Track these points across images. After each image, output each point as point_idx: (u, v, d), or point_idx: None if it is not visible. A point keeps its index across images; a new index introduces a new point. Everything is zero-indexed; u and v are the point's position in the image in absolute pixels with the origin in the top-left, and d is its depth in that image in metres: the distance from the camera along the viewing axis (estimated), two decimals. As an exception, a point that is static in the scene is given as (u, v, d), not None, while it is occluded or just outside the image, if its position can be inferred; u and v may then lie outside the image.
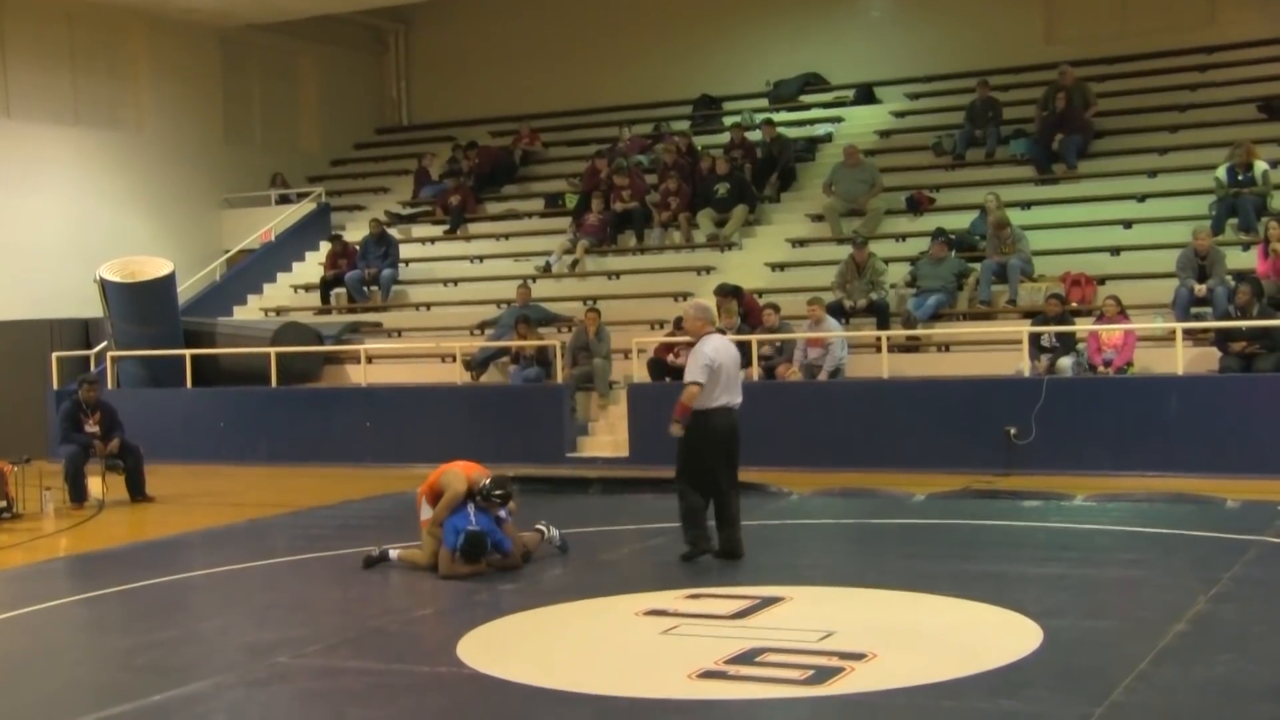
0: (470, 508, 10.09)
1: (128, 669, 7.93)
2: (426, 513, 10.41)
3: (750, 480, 14.66)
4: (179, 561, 11.59)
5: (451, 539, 9.93)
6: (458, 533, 9.90)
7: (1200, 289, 15.94)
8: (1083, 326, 16.01)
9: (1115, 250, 18.18)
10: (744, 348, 16.94)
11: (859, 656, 7.34)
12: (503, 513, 10.31)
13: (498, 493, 10.23)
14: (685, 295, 19.52)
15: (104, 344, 21.23)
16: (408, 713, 6.75)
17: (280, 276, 24.13)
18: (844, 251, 18.66)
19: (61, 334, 21.85)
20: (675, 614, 8.53)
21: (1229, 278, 15.95)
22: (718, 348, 10.29)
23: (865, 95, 24.21)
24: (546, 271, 21.41)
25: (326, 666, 7.66)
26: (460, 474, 10.32)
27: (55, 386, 20.60)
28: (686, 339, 17.33)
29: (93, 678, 7.92)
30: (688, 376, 10.23)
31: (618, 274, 21.12)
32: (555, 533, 10.79)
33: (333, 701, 6.97)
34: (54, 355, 20.91)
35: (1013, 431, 15.12)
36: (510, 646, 8.08)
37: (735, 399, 10.35)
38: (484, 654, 7.74)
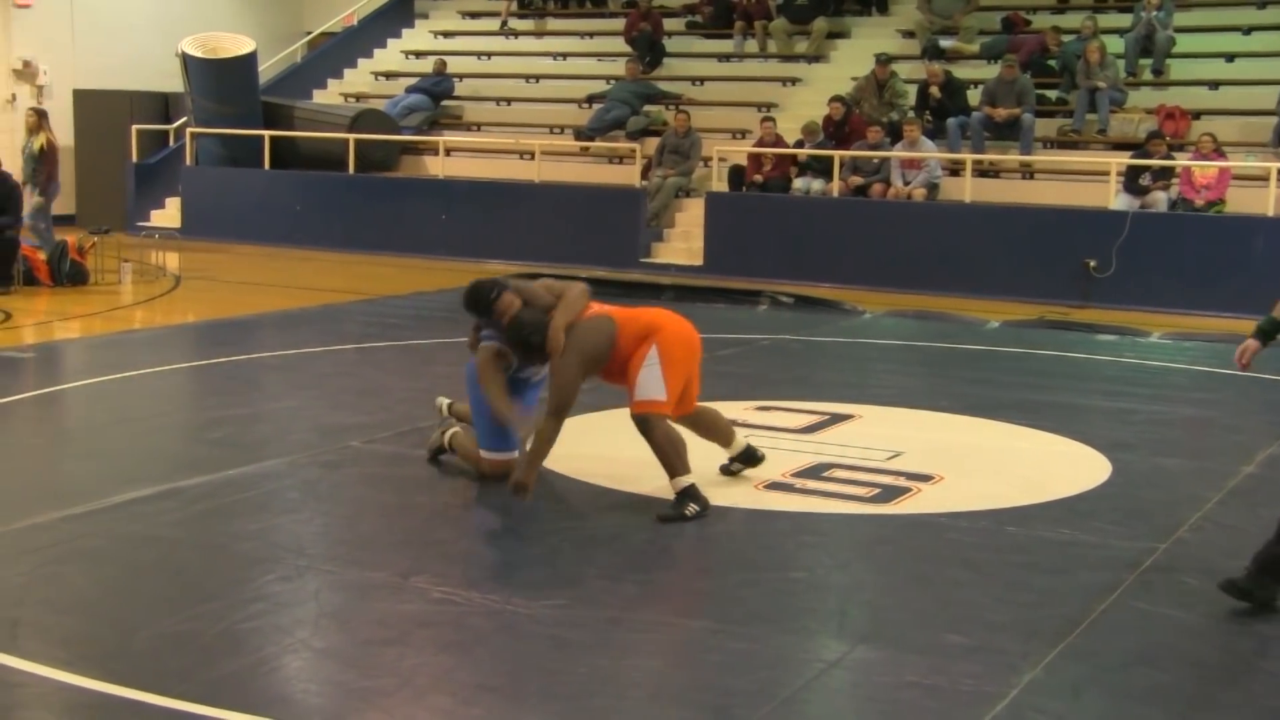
0: None
1: (202, 441, 8.07)
2: None
3: (823, 296, 14.71)
4: (252, 341, 11.73)
5: None
6: None
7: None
8: (1179, 162, 15.59)
9: (1214, 84, 17.66)
10: (828, 164, 16.81)
11: (926, 478, 7.35)
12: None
13: None
14: (770, 105, 19.24)
15: (184, 119, 21.24)
16: (477, 501, 6.84)
17: (361, 63, 23.89)
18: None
19: (141, 106, 21.87)
20: (744, 425, 8.52)
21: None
22: None
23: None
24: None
25: (396, 453, 7.75)
26: None
27: (134, 159, 20.70)
28: (773, 150, 17.25)
29: (168, 448, 8.08)
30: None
31: (700, 80, 20.75)
32: None
33: (402, 488, 7.06)
34: (134, 127, 20.96)
35: (1092, 264, 14.91)
36: (580, 447, 8.11)
37: None
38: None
